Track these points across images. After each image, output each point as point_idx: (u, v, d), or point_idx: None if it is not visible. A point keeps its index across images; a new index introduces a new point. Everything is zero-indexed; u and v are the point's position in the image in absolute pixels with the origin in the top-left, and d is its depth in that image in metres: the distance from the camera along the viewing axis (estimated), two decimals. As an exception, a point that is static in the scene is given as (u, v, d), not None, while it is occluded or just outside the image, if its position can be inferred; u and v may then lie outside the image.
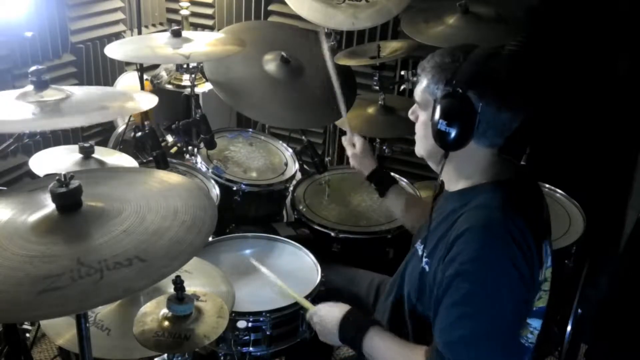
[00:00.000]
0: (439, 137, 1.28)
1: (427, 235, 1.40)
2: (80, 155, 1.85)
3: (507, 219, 1.24)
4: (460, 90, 1.24)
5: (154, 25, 3.39)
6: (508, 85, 1.28)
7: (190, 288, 1.35)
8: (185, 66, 2.34)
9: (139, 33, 2.81)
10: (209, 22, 3.41)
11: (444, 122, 1.25)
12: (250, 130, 2.57)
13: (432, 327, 1.30)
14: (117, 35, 3.09)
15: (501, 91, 1.27)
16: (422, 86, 1.34)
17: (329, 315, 1.50)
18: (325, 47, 1.94)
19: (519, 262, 1.22)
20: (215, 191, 2.15)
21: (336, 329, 1.46)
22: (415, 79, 1.39)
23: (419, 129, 1.40)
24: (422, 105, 1.36)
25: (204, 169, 2.24)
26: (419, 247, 1.42)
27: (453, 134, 1.26)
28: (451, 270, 1.24)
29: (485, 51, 1.30)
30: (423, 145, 1.40)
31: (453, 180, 1.40)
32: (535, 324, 1.33)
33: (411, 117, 1.43)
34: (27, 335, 1.97)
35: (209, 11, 3.40)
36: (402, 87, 2.79)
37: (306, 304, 1.59)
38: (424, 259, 1.36)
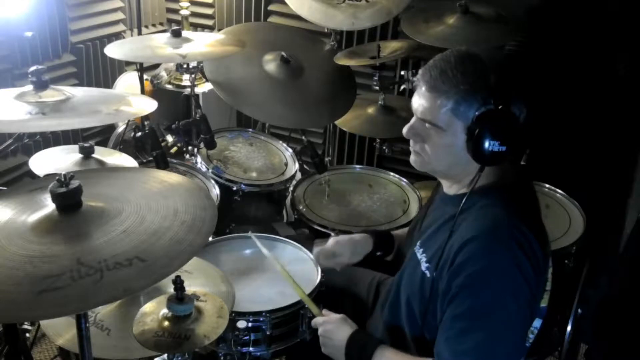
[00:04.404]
0: (485, 156, 1.24)
1: (425, 240, 1.39)
2: (80, 155, 1.85)
3: (511, 223, 1.24)
4: (502, 107, 1.22)
5: (154, 25, 3.38)
6: (527, 87, 1.28)
7: (190, 288, 1.35)
8: (185, 66, 2.33)
9: (139, 33, 2.81)
10: (209, 22, 3.40)
11: (496, 142, 1.22)
12: (250, 130, 2.58)
13: (429, 331, 1.30)
14: (117, 35, 3.09)
15: (527, 95, 1.27)
16: (445, 107, 1.26)
17: (336, 332, 1.47)
18: None
19: (525, 266, 1.21)
20: (215, 191, 2.15)
21: (343, 347, 1.44)
22: (415, 83, 1.36)
23: (437, 150, 1.32)
24: (445, 126, 1.28)
25: (204, 169, 2.24)
26: (418, 251, 1.40)
27: (502, 150, 1.23)
28: (459, 281, 1.23)
29: (501, 58, 1.30)
30: (443, 162, 1.34)
31: (456, 184, 1.37)
32: (536, 323, 1.33)
33: (414, 137, 1.36)
34: (27, 335, 1.97)
35: (209, 11, 3.39)
36: (402, 87, 2.80)
37: (313, 308, 1.57)
38: (425, 264, 1.35)
